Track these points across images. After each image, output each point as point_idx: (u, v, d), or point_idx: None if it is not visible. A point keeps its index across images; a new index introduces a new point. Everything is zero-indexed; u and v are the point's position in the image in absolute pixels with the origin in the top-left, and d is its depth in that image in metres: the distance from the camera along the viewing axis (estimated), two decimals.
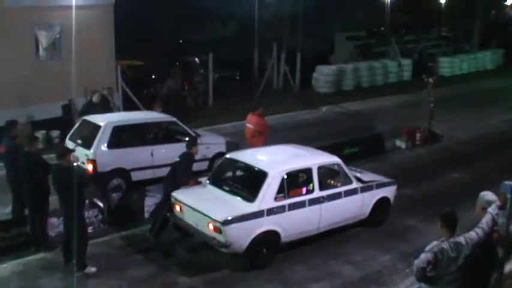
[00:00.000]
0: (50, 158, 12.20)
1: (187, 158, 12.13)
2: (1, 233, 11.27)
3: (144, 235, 12.27)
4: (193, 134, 15.35)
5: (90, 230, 11.82)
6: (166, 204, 11.88)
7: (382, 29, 40.24)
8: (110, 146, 14.11)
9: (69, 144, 14.66)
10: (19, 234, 11.46)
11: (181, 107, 20.88)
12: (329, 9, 35.69)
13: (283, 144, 13.68)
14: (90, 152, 13.93)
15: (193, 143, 12.38)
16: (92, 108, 16.28)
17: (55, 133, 19.40)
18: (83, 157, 13.83)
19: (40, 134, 18.83)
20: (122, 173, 14.34)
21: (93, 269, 10.55)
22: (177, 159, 12.20)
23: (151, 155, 14.59)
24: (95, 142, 13.98)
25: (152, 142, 14.92)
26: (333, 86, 30.76)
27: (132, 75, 24.76)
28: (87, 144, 14.16)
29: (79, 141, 14.54)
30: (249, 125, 15.18)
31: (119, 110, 19.04)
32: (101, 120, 14.63)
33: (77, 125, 15.37)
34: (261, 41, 31.56)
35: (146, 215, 13.03)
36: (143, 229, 12.56)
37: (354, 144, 17.80)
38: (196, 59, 29.42)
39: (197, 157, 12.75)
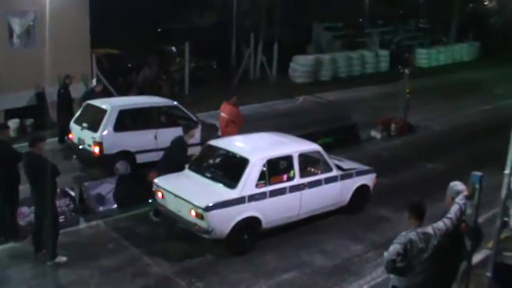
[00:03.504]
0: (23, 146, 12.06)
1: (178, 142, 12.30)
2: None
3: (117, 224, 12.27)
4: (195, 118, 15.81)
5: (61, 219, 11.70)
6: None
7: (360, 20, 40.23)
8: (115, 129, 14.53)
9: (75, 127, 15.03)
10: None
11: (157, 96, 20.63)
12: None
13: (264, 131, 13.76)
14: (96, 135, 14.38)
15: (188, 128, 12.55)
16: (94, 96, 16.53)
17: (28, 121, 19.20)
18: (89, 140, 14.47)
19: (13, 122, 18.68)
20: (127, 155, 14.76)
21: (63, 259, 10.46)
22: (169, 144, 12.53)
23: (155, 138, 14.92)
24: (102, 125, 14.42)
25: (156, 125, 15.34)
26: (310, 76, 30.80)
27: (108, 63, 24.55)
28: (93, 128, 14.61)
29: (85, 125, 14.95)
30: (223, 114, 15.16)
31: None
32: (107, 104, 15.08)
33: (81, 109, 15.69)
34: (239, 31, 31.48)
35: (117, 205, 13.04)
36: (115, 218, 12.57)
37: (328, 134, 17.81)
38: (173, 48, 29.25)
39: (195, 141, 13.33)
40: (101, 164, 14.84)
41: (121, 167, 14.72)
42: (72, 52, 19.67)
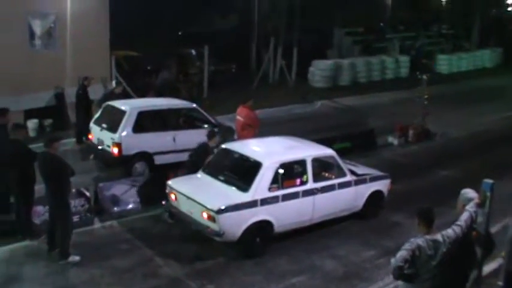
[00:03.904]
0: (41, 146, 12.20)
1: (202, 148, 12.47)
2: None
3: (131, 225, 12.39)
4: (213, 121, 15.97)
5: (76, 218, 11.88)
6: None
7: (381, 25, 40.13)
8: (134, 130, 14.71)
9: (94, 128, 15.26)
10: (4, 222, 11.51)
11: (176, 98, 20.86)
12: (328, 4, 35.58)
13: (278, 136, 13.75)
14: (115, 136, 14.56)
15: (212, 134, 12.68)
16: (113, 98, 16.72)
17: (47, 122, 19.41)
18: (108, 140, 14.63)
19: (32, 122, 18.90)
20: (146, 156, 14.91)
21: (76, 258, 10.56)
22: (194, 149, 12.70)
23: (174, 140, 15.06)
24: (121, 126, 14.59)
25: (174, 127, 15.48)
26: (329, 80, 30.77)
27: (127, 65, 24.75)
28: (112, 128, 14.77)
29: (104, 125, 15.14)
30: (239, 117, 15.22)
31: None
32: (126, 105, 15.26)
33: (100, 110, 15.89)
34: (259, 35, 31.56)
35: (132, 205, 13.12)
36: (130, 219, 12.69)
37: (345, 139, 17.77)
38: (193, 50, 29.38)
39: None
40: (120, 165, 14.98)
41: (140, 167, 14.85)
42: (91, 54, 19.78)
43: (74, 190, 11.86)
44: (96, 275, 10.24)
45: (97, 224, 12.42)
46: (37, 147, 12.30)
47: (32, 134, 18.55)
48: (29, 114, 19.04)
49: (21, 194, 11.20)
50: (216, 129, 12.74)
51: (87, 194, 12.57)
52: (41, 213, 11.66)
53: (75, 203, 12.06)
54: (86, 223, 12.22)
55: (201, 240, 11.18)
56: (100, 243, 11.57)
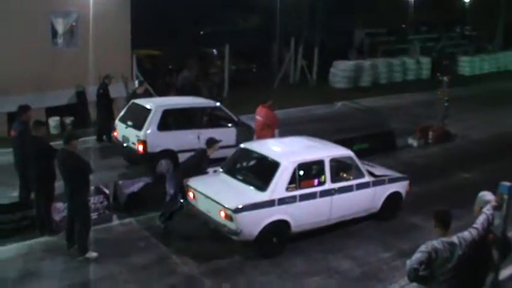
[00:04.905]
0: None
1: (200, 155, 12.38)
2: (8, 216, 11.51)
3: (149, 222, 12.46)
4: (236, 119, 16.10)
5: (95, 215, 11.99)
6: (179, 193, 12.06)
7: (403, 26, 39.93)
8: (159, 128, 14.83)
9: (120, 125, 15.46)
10: (25, 217, 11.64)
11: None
12: (349, 5, 35.52)
13: (299, 136, 13.76)
14: (141, 133, 14.68)
15: (212, 142, 12.32)
16: (137, 98, 16.75)
17: (68, 119, 19.60)
18: (133, 138, 14.79)
19: (54, 120, 19.10)
20: (170, 154, 14.97)
21: (94, 254, 10.67)
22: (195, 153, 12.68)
23: (198, 138, 14.96)
24: (146, 124, 14.72)
25: (199, 126, 15.50)
26: (350, 81, 30.68)
27: (149, 64, 24.89)
28: (137, 126, 14.89)
29: (129, 123, 15.24)
30: (258, 117, 15.28)
31: None
32: (151, 103, 15.40)
33: (126, 108, 16.02)
34: (281, 35, 31.60)
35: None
36: (148, 216, 12.73)
37: (364, 140, 17.72)
38: (214, 50, 29.48)
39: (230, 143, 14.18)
40: (145, 162, 15.10)
41: (165, 165, 14.90)
42: (113, 52, 19.96)
43: (92, 187, 11.96)
44: (114, 271, 10.32)
45: (115, 221, 12.52)
46: (58, 144, 12.42)
47: (53, 131, 18.77)
48: (51, 111, 19.25)
49: (41, 191, 11.32)
50: (217, 138, 12.47)
51: (106, 191, 12.64)
52: (60, 209, 11.74)
53: (94, 200, 12.17)
54: (104, 220, 12.33)
55: (217, 239, 11.23)
56: (118, 240, 11.67)
